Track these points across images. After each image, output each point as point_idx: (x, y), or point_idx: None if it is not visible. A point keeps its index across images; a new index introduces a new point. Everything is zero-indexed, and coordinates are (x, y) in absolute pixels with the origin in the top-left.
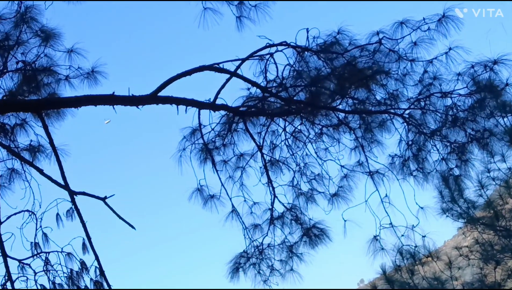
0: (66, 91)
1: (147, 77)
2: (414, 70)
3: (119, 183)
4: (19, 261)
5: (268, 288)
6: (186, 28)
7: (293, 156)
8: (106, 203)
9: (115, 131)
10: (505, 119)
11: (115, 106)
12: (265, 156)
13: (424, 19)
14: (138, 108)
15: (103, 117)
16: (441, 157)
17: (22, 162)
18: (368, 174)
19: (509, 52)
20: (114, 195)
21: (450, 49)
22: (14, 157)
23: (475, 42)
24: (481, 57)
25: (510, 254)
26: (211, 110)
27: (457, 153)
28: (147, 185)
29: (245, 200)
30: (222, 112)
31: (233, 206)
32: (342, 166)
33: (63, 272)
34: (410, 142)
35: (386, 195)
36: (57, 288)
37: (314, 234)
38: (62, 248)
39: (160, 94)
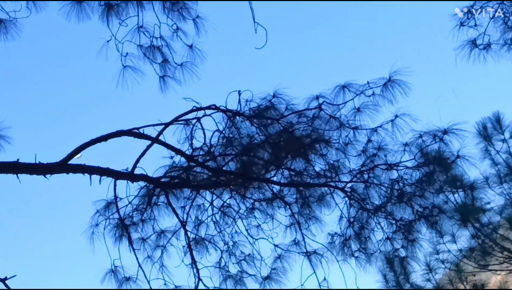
0: None
1: (57, 142)
2: (357, 139)
3: (22, 262)
4: None
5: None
6: (103, 88)
7: (220, 234)
8: (6, 285)
9: (19, 203)
10: (456, 195)
11: (19, 174)
12: (189, 233)
13: (368, 83)
14: (46, 177)
15: (4, 187)
16: (386, 236)
17: None
18: (305, 254)
19: (461, 121)
20: (16, 275)
21: (396, 116)
22: None
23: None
24: (430, 126)
25: None
26: (128, 181)
27: (403, 232)
28: (55, 264)
29: (165, 283)
30: (142, 183)
31: None
32: (276, 246)
33: None
34: (351, 219)
35: (325, 279)
36: None
37: None
38: None
39: (71, 162)
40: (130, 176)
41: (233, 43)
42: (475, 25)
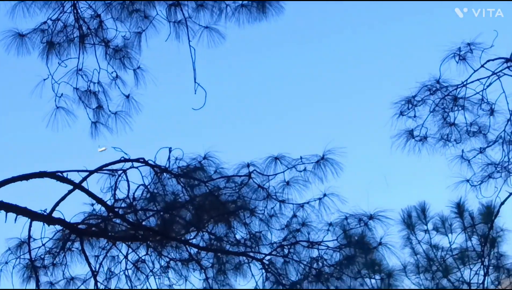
0: None
1: None
2: (282, 212)
3: None
4: None
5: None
6: (31, 125)
7: None
8: None
9: None
10: (372, 280)
11: None
12: (99, 284)
13: (301, 158)
14: None
15: None
16: None
17: None
18: None
19: (387, 208)
20: None
21: (324, 195)
22: None
23: None
24: (356, 209)
25: None
26: (45, 223)
27: None
28: None
29: None
30: (58, 227)
31: None
32: None
33: None
34: None
35: None
36: None
37: None
38: None
39: None
40: (47, 218)
41: (171, 99)
42: (414, 116)
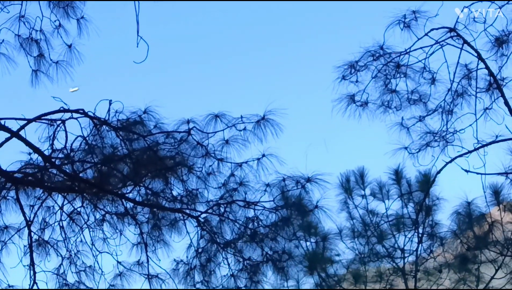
0: None
1: None
2: (220, 171)
3: None
4: None
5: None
6: None
7: (65, 241)
8: None
9: None
10: (308, 242)
11: None
12: (33, 234)
13: (241, 117)
14: None
15: None
16: (231, 273)
17: None
18: (146, 277)
19: (325, 172)
20: None
21: (263, 155)
22: None
23: None
24: (295, 171)
25: None
26: None
27: (249, 272)
28: None
29: None
30: None
31: None
32: (119, 262)
33: None
34: (200, 250)
35: None
36: None
37: None
38: None
39: None
40: None
41: (114, 51)
42: (357, 81)
